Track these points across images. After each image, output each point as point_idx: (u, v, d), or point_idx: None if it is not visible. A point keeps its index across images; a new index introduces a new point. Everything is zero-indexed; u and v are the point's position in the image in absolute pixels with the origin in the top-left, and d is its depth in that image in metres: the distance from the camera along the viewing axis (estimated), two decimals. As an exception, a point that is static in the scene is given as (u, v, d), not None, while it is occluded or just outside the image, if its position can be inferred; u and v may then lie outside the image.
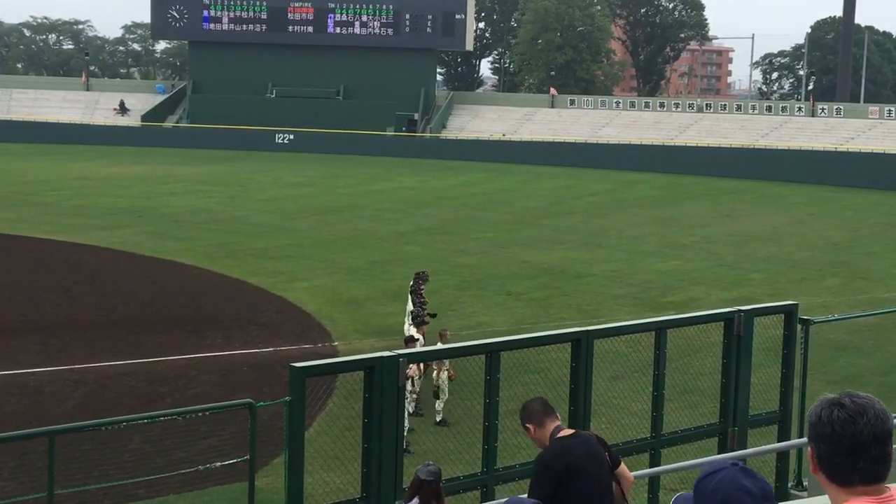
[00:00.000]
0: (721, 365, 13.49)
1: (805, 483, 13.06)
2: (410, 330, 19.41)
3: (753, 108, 78.53)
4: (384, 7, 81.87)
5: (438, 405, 18.15)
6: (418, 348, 17.03)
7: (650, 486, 12.76)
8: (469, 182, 59.77)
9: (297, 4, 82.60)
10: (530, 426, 7.40)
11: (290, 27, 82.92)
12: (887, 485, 3.32)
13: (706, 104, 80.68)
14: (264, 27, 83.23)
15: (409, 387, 17.12)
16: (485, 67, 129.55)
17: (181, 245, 35.89)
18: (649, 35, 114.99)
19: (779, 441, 13.67)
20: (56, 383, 20.01)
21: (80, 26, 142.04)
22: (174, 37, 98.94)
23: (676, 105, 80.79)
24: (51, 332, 23.91)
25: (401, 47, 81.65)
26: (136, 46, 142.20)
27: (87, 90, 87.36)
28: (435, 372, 18.12)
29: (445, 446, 16.26)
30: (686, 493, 3.58)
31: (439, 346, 16.27)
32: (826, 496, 9.41)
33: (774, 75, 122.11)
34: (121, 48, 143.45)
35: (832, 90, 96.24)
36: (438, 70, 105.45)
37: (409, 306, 21.02)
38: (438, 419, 18.04)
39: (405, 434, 17.01)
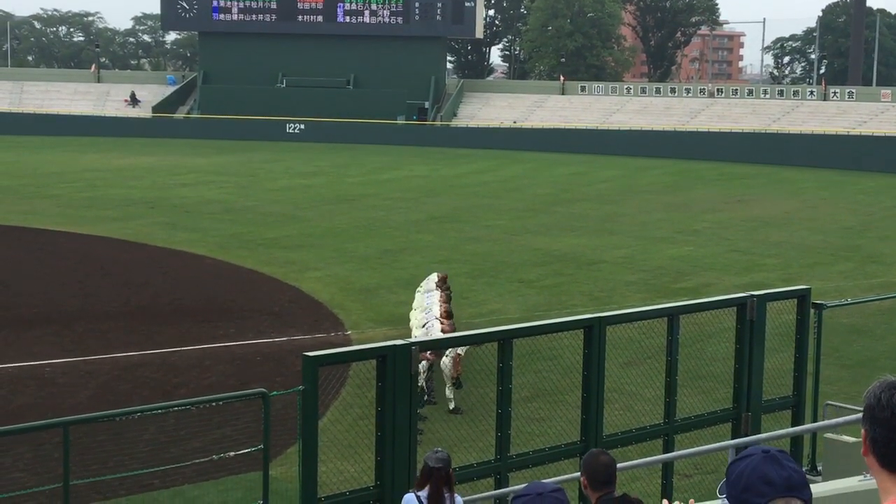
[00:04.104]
0: (734, 350, 13.48)
1: (819, 468, 13.04)
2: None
3: (765, 92, 78.23)
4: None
5: (449, 392, 18.14)
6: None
7: (664, 472, 12.77)
8: (480, 170, 59.72)
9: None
10: (585, 481, 7.09)
11: (300, 17, 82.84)
12: None
13: (717, 89, 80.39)
14: (274, 17, 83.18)
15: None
16: (495, 55, 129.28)
17: (193, 235, 35.96)
18: (660, 20, 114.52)
19: (792, 426, 13.67)
20: (70, 374, 20.09)
21: (91, 18, 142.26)
22: (184, 28, 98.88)
23: (687, 90, 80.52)
24: (64, 323, 23.99)
25: (410, 35, 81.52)
26: (146, 38, 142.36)
27: (98, 82, 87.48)
28: (445, 359, 18.13)
29: (459, 434, 16.28)
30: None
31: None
32: (840, 483, 9.36)
33: (786, 59, 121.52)
34: (131, 40, 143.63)
35: (844, 74, 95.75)
36: (448, 58, 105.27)
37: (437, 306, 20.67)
38: (451, 407, 18.06)
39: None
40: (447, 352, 17.99)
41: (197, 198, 45.67)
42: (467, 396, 18.30)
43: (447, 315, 19.21)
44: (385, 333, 21.94)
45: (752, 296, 13.34)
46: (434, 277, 22.00)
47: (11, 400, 18.48)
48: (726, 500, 3.30)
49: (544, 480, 7.25)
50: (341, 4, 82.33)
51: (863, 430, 3.25)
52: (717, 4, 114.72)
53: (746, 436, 12.69)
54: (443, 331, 18.21)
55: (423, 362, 17.02)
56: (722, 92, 79.13)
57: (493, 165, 62.03)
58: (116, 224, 38.14)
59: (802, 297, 14.03)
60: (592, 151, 69.66)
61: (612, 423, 12.96)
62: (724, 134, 69.89)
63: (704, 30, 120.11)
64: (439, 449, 8.99)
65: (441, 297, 20.51)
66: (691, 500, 3.53)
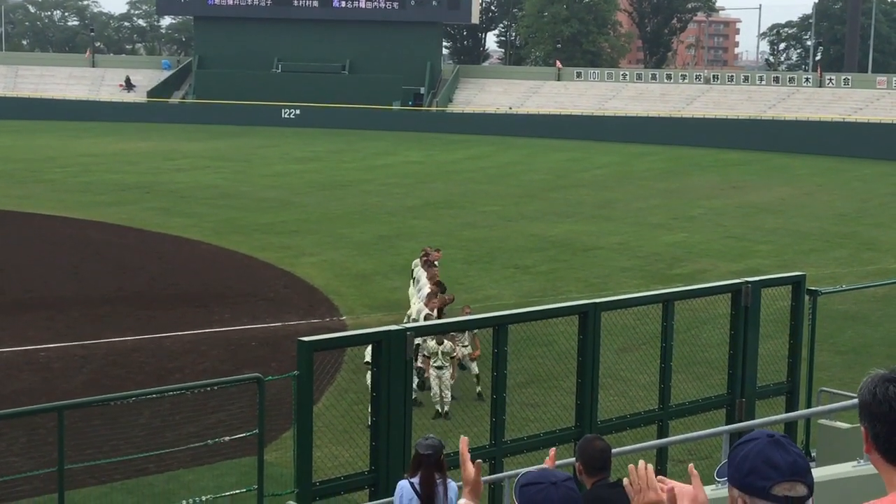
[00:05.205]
0: (729, 336, 13.50)
1: (813, 454, 13.07)
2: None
3: (761, 79, 78.15)
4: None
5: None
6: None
7: (658, 458, 12.79)
8: (476, 156, 59.67)
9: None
10: (580, 467, 7.03)
11: (296, 1, 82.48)
12: None
13: (713, 76, 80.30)
14: (269, 2, 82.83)
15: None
16: (491, 41, 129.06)
17: (188, 221, 35.92)
18: (656, 6, 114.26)
19: (787, 412, 13.70)
20: (65, 359, 20.08)
21: (85, 2, 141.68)
22: (179, 12, 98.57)
23: (683, 77, 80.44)
24: (59, 308, 23.97)
25: (406, 21, 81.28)
26: (141, 22, 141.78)
27: (93, 66, 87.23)
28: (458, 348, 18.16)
29: (454, 419, 16.32)
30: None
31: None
32: (834, 468, 9.34)
33: (782, 46, 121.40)
34: (126, 24, 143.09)
35: (840, 60, 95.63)
36: (444, 43, 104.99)
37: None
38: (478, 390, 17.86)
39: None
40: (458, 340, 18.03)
41: (192, 183, 45.60)
42: (462, 382, 18.32)
43: (435, 291, 19.19)
44: (380, 319, 21.96)
45: (747, 282, 13.35)
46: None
47: (6, 384, 18.47)
48: (725, 484, 3.28)
49: (545, 465, 7.25)
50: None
51: (863, 429, 3.19)
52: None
53: (741, 422, 12.72)
54: (427, 317, 18.21)
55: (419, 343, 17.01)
56: (718, 78, 79.04)
57: (489, 151, 61.98)
58: (111, 209, 38.08)
59: (797, 284, 14.06)
60: (588, 138, 69.60)
61: (607, 409, 12.99)
62: (720, 120, 69.85)
63: (700, 16, 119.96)
64: (430, 436, 8.99)
65: (427, 274, 20.56)
66: (691, 465, 3.48)
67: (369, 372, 16.23)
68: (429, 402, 17.55)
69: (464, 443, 4.67)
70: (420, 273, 21.30)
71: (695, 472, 3.44)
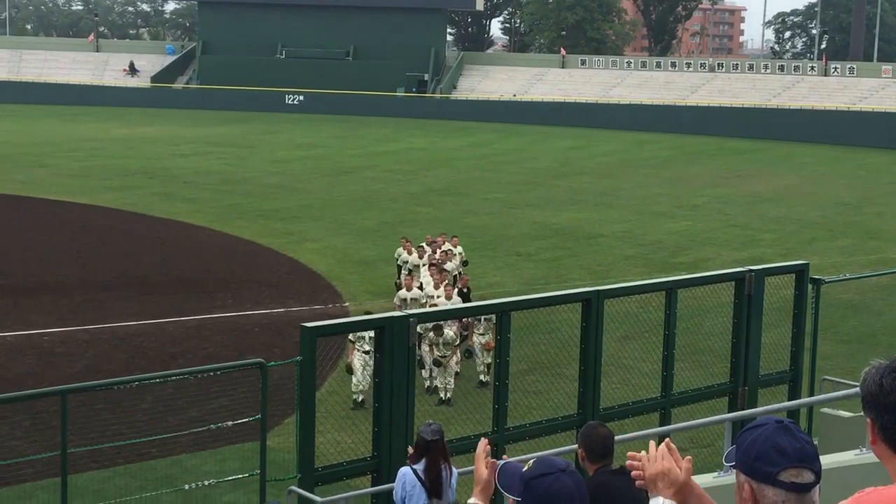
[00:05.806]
0: (732, 325, 13.48)
1: (816, 442, 13.07)
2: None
3: (766, 67, 77.96)
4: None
5: (457, 367, 17.99)
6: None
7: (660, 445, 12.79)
8: (479, 143, 59.59)
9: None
10: (583, 454, 7.01)
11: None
12: None
13: (718, 64, 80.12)
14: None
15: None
16: (495, 27, 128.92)
17: (192, 206, 35.92)
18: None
19: (789, 400, 13.70)
20: (68, 344, 20.11)
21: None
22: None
23: (688, 65, 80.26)
24: (62, 293, 24.00)
25: (411, 7, 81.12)
26: (145, 7, 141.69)
27: (97, 51, 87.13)
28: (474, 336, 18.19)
29: (456, 406, 16.34)
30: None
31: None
32: (836, 457, 9.33)
33: (787, 34, 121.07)
34: (130, 9, 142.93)
35: (845, 49, 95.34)
36: (448, 30, 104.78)
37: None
38: (484, 379, 17.81)
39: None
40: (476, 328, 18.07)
41: (195, 168, 45.59)
42: (465, 369, 18.33)
43: (433, 272, 19.40)
44: (383, 306, 21.96)
45: (751, 270, 13.33)
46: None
47: (10, 368, 18.51)
48: (732, 469, 3.26)
49: (545, 452, 7.24)
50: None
51: (868, 420, 3.13)
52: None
53: (743, 410, 12.71)
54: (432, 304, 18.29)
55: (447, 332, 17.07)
56: (722, 67, 78.86)
57: (493, 138, 61.90)
58: (115, 194, 38.09)
59: (800, 273, 14.03)
60: (592, 125, 69.51)
61: (610, 397, 12.98)
62: (725, 109, 69.72)
63: (706, 4, 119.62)
64: (432, 422, 8.99)
65: (426, 258, 20.76)
66: (667, 440, 3.48)
67: (355, 352, 16.40)
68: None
69: (482, 443, 4.62)
70: (410, 259, 21.61)
71: (672, 445, 3.45)
